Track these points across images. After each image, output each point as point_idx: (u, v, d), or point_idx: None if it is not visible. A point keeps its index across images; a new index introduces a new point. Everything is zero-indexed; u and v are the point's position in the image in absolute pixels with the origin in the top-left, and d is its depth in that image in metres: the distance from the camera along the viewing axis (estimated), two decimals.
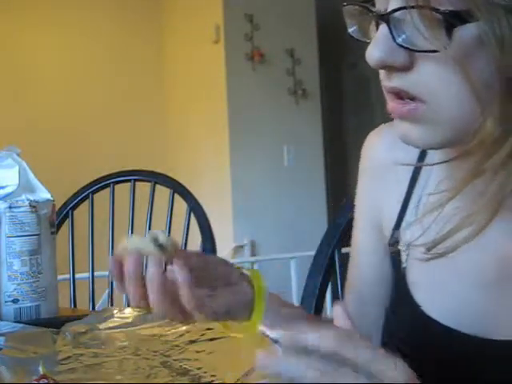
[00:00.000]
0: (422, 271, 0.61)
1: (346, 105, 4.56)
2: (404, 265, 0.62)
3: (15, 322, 0.88)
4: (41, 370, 0.59)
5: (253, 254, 3.38)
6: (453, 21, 0.42)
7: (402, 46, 0.45)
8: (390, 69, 0.47)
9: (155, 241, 0.54)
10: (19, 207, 0.91)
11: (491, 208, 0.48)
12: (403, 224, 0.63)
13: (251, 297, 0.68)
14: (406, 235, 0.62)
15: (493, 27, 0.42)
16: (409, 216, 0.63)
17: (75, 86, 3.70)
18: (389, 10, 0.45)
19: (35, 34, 3.65)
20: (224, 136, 3.38)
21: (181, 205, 1.37)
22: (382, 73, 0.49)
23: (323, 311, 1.00)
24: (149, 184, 1.40)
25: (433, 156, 0.63)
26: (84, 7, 3.73)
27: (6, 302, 0.90)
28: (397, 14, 0.44)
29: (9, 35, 3.57)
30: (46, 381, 0.56)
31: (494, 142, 0.46)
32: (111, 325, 0.81)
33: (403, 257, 0.63)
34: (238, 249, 3.36)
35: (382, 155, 0.68)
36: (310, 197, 3.58)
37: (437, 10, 0.42)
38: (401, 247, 0.63)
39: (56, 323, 0.80)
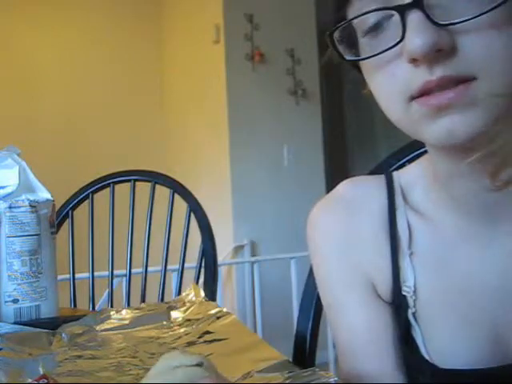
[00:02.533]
0: (437, 306, 0.59)
1: (346, 105, 4.56)
2: (413, 310, 0.60)
3: (15, 322, 0.88)
4: (41, 370, 0.58)
5: (253, 254, 3.38)
6: None
7: (444, 24, 0.43)
8: (435, 55, 0.44)
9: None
10: (19, 207, 0.91)
11: None
12: (402, 273, 0.61)
13: None
14: (409, 281, 0.60)
15: None
16: (405, 263, 0.61)
17: (75, 86, 3.70)
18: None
19: (35, 33, 3.65)
20: (224, 136, 3.38)
21: (181, 205, 1.37)
22: (413, 75, 0.46)
23: (323, 311, 1.00)
24: (149, 184, 1.40)
25: (400, 201, 0.62)
26: (84, 7, 3.73)
27: (6, 302, 0.90)
28: None
29: (9, 35, 3.56)
30: (45, 381, 0.56)
31: None
32: (108, 326, 0.80)
33: (410, 302, 0.61)
34: (238, 249, 3.36)
35: (345, 225, 0.65)
36: (310, 197, 3.58)
37: None
38: (406, 293, 0.61)
39: (56, 323, 0.80)
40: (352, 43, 0.51)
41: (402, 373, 0.61)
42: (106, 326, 0.80)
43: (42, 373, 0.58)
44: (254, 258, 3.23)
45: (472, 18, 0.43)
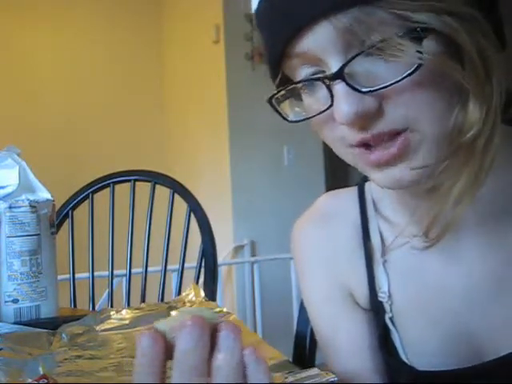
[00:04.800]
0: (411, 310, 0.62)
1: None
2: (389, 314, 0.63)
3: (15, 322, 0.88)
4: (41, 370, 0.58)
5: (253, 254, 3.38)
6: (419, 35, 0.44)
7: (367, 91, 0.45)
8: (363, 120, 0.46)
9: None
10: (19, 207, 0.91)
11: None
12: (376, 281, 0.63)
13: None
14: (384, 287, 0.63)
15: (451, 35, 0.44)
16: (379, 271, 0.63)
17: (75, 86, 3.70)
18: (334, 69, 0.46)
19: (35, 34, 3.64)
20: (224, 136, 3.38)
21: (181, 205, 1.37)
22: (349, 133, 0.49)
23: None
24: (149, 184, 1.40)
25: (372, 212, 0.65)
26: (84, 7, 3.73)
27: (6, 302, 0.90)
28: (349, 66, 0.45)
29: (9, 35, 3.56)
30: (45, 381, 0.56)
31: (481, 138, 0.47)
32: (108, 326, 0.80)
33: (387, 307, 0.63)
34: (238, 249, 3.36)
35: (324, 238, 0.68)
36: (310, 197, 3.56)
37: (399, 36, 0.44)
38: (382, 299, 0.63)
39: (56, 323, 0.80)
40: (295, 99, 0.53)
41: (381, 376, 0.64)
42: (105, 326, 0.80)
43: (41, 373, 0.58)
44: (253, 258, 3.23)
45: (390, 85, 0.45)
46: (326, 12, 0.45)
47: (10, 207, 0.91)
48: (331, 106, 0.47)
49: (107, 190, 1.42)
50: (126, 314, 0.83)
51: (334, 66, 0.47)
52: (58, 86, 3.67)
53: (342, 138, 0.50)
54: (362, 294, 0.65)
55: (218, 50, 3.40)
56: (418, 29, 0.44)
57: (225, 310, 0.79)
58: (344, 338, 0.66)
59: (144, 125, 3.87)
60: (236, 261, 3.31)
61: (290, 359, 0.61)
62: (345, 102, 0.46)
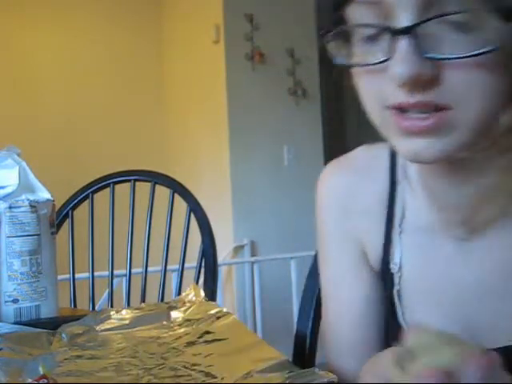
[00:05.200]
0: (417, 289, 0.62)
1: (346, 105, 4.56)
2: (397, 287, 0.63)
3: (15, 322, 0.88)
4: (41, 370, 0.58)
5: (253, 254, 3.38)
6: (509, 16, 0.42)
7: (430, 58, 0.44)
8: (416, 84, 0.45)
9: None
10: (19, 207, 0.91)
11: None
12: (391, 248, 0.63)
13: None
14: (396, 257, 0.63)
15: None
16: (395, 240, 0.63)
17: (75, 86, 3.70)
18: (403, 24, 0.44)
19: (35, 34, 3.64)
20: (224, 136, 3.38)
21: (181, 205, 1.37)
22: (393, 92, 0.47)
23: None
24: (149, 184, 1.40)
25: (402, 177, 0.64)
26: (84, 7, 3.73)
27: (5, 302, 0.90)
28: (421, 26, 0.44)
29: (9, 35, 3.56)
30: (45, 381, 0.56)
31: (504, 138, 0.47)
32: (108, 326, 0.80)
33: (396, 279, 0.63)
34: (238, 249, 3.36)
35: (348, 187, 0.68)
36: (310, 197, 3.56)
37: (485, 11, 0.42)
38: (393, 270, 0.63)
39: (56, 323, 0.80)
40: (345, 43, 0.51)
41: (381, 338, 0.64)
42: (106, 325, 0.80)
43: (42, 373, 0.58)
44: (253, 258, 3.23)
45: (458, 58, 0.43)
46: None
47: (10, 207, 0.91)
48: (387, 60, 0.46)
49: (107, 190, 1.42)
50: (126, 314, 0.83)
51: (404, 21, 0.44)
52: (58, 86, 3.67)
53: (380, 96, 0.49)
54: (375, 257, 0.65)
55: (218, 50, 3.40)
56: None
57: (225, 309, 0.79)
58: (346, 292, 0.66)
59: (144, 125, 3.87)
60: (236, 261, 3.31)
61: (290, 359, 0.60)
62: (405, 62, 0.44)
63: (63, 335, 0.76)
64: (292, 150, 3.55)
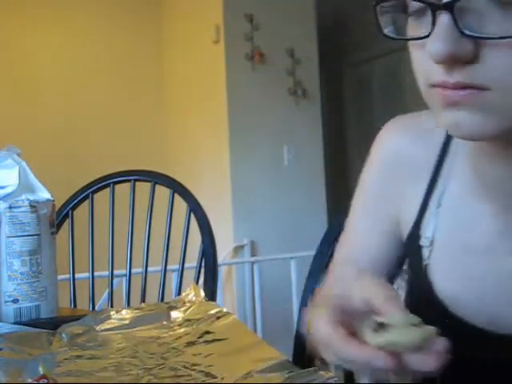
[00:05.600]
0: (448, 268, 0.60)
1: (346, 105, 4.55)
2: (426, 261, 0.62)
3: (15, 322, 0.88)
4: (41, 370, 0.58)
5: (253, 253, 3.38)
6: None
7: (469, 35, 0.43)
8: (454, 62, 0.44)
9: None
10: (19, 207, 0.91)
11: None
12: (424, 220, 0.63)
13: None
14: (428, 231, 0.62)
15: None
16: (430, 212, 0.62)
17: (75, 86, 3.70)
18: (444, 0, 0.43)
19: (35, 33, 3.64)
20: (224, 136, 3.38)
21: (181, 205, 1.37)
22: (434, 69, 0.47)
23: None
24: (149, 184, 1.40)
25: (455, 151, 0.62)
26: (84, 7, 3.73)
27: (5, 302, 0.90)
28: (463, 1, 0.43)
29: (9, 35, 3.56)
30: (45, 381, 0.56)
31: None
32: (108, 326, 0.80)
33: (425, 253, 0.62)
34: (238, 249, 3.36)
35: (401, 148, 0.67)
36: (310, 197, 3.58)
37: None
38: (423, 243, 0.62)
39: (56, 323, 0.80)
40: (398, 15, 0.51)
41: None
42: (106, 325, 0.80)
43: (42, 373, 0.58)
44: (253, 258, 3.23)
45: (500, 38, 0.42)
46: None
47: (10, 207, 0.91)
48: (428, 36, 0.45)
49: (107, 190, 1.42)
50: (126, 314, 0.83)
51: None
52: (58, 86, 3.67)
53: (425, 72, 0.49)
54: (406, 224, 0.65)
55: (218, 50, 3.40)
56: None
57: (225, 309, 0.79)
58: (362, 240, 0.68)
59: (144, 125, 3.86)
60: (236, 261, 3.31)
61: (290, 359, 0.60)
62: (442, 39, 0.43)
63: (63, 335, 0.76)
64: (292, 149, 3.55)
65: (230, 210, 3.35)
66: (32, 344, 0.72)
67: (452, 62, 0.44)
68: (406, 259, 0.66)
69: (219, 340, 0.70)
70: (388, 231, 0.68)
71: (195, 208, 1.33)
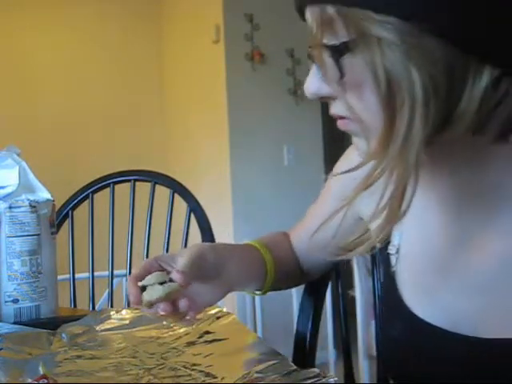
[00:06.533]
0: (409, 277, 0.62)
1: None
2: (394, 268, 0.63)
3: (15, 322, 0.88)
4: (41, 370, 0.58)
5: None
6: (338, 52, 0.48)
7: (323, 79, 0.51)
8: (320, 98, 0.53)
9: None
10: (19, 207, 0.91)
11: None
12: (391, 232, 0.64)
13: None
14: (396, 239, 0.63)
15: (370, 56, 0.47)
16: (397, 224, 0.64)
17: (75, 86, 3.70)
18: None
19: (35, 33, 3.64)
20: (224, 136, 3.38)
21: (181, 205, 1.37)
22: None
23: (323, 311, 1.00)
24: (149, 184, 1.40)
25: None
26: (84, 7, 3.73)
27: (6, 302, 0.90)
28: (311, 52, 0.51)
29: (9, 35, 3.56)
30: (46, 381, 0.56)
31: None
32: (108, 326, 0.80)
33: (393, 260, 0.64)
34: None
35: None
36: (310, 197, 3.57)
37: (324, 46, 0.49)
38: (390, 250, 0.64)
39: (56, 323, 0.80)
40: None
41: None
42: (106, 326, 0.80)
43: (42, 373, 0.58)
44: None
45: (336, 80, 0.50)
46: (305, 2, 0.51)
47: (10, 207, 0.91)
48: None
49: (107, 190, 1.42)
50: (126, 314, 0.83)
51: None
52: (58, 86, 3.67)
53: None
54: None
55: (218, 50, 3.40)
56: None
57: (225, 309, 0.79)
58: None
59: (144, 125, 3.86)
60: None
61: (290, 359, 0.60)
62: (308, 79, 0.53)
63: (63, 335, 0.76)
64: (292, 149, 3.55)
65: (230, 210, 3.35)
66: (32, 344, 0.72)
67: (318, 98, 0.54)
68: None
69: (219, 340, 0.70)
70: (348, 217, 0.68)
71: (195, 208, 1.33)
